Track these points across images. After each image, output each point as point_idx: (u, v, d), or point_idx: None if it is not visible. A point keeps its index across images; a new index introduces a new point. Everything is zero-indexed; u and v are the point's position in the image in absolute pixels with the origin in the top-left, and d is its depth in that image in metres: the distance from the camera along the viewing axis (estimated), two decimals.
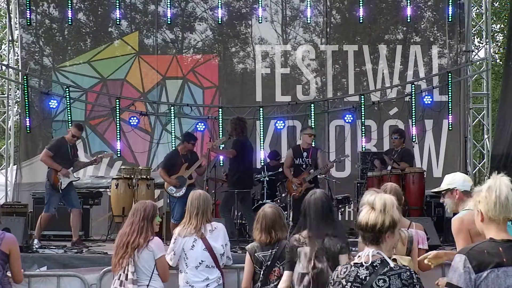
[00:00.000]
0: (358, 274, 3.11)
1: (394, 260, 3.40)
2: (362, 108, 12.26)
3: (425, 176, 10.32)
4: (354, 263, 3.17)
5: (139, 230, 5.40)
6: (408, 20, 12.76)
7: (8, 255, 5.02)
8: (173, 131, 12.57)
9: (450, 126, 12.41)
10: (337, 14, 14.27)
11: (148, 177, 10.94)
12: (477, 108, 13.28)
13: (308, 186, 9.60)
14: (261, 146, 12.46)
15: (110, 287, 5.62)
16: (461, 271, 3.08)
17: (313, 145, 10.19)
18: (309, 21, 13.10)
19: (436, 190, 5.18)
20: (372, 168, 10.56)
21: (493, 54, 19.11)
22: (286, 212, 9.93)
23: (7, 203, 11.48)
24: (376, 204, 3.19)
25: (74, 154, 9.60)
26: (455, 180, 4.99)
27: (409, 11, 12.50)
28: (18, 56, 13.24)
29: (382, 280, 3.08)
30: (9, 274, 5.19)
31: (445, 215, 9.60)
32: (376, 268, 3.11)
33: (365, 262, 3.11)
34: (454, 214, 5.01)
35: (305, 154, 9.94)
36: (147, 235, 5.43)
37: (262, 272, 5.38)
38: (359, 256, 3.19)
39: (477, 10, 13.84)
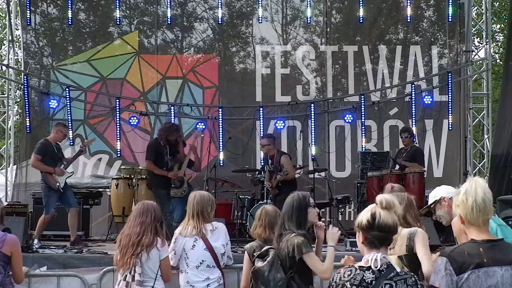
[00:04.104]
0: (364, 277, 3.09)
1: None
2: (362, 108, 12.26)
3: (425, 176, 10.32)
4: (360, 266, 3.15)
5: (151, 230, 5.44)
6: (408, 20, 12.74)
7: (10, 256, 5.00)
8: None
9: (450, 126, 12.41)
10: (337, 14, 14.26)
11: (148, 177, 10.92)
12: (477, 108, 13.27)
13: (275, 192, 10.05)
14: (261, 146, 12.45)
15: (111, 287, 5.60)
16: (443, 274, 3.10)
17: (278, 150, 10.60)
18: (309, 21, 13.09)
19: (425, 208, 5.22)
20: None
21: (493, 54, 19.08)
22: None
23: (7, 202, 11.46)
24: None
25: (61, 153, 9.65)
26: (438, 191, 5.09)
27: (409, 11, 12.49)
28: (18, 56, 13.23)
29: (388, 285, 3.08)
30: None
31: None
32: (383, 272, 3.10)
33: (374, 267, 3.10)
34: None
35: (270, 161, 10.28)
36: (158, 235, 5.49)
37: None
38: (365, 260, 3.17)
39: (477, 10, 13.82)
